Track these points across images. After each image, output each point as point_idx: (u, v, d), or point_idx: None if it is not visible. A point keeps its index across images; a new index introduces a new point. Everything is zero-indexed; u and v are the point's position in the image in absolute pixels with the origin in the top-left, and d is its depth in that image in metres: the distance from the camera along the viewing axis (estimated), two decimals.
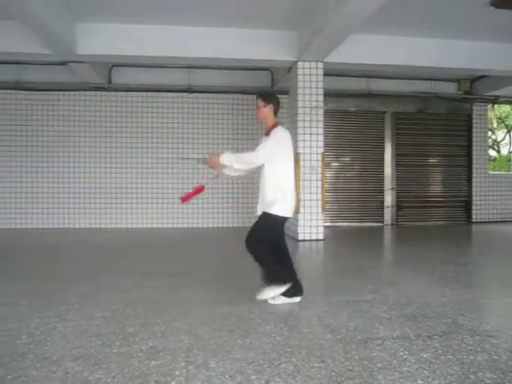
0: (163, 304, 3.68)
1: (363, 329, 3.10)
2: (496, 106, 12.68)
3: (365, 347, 2.76)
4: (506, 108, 16.70)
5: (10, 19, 6.34)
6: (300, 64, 7.58)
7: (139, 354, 2.65)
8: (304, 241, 7.53)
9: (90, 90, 9.40)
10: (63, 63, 8.06)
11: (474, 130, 10.60)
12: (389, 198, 10.28)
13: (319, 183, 7.65)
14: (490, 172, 11.28)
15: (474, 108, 10.57)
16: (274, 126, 3.65)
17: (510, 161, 17.10)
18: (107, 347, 2.76)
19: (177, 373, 2.41)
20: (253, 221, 3.74)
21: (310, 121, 7.63)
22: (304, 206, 7.60)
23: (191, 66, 9.06)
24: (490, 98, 10.53)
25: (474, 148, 10.61)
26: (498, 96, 10.40)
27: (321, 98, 7.67)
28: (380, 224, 10.18)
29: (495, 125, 18.24)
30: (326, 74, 7.79)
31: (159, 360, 2.58)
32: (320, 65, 7.62)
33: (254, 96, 3.82)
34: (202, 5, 6.44)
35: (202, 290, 4.08)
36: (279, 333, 3.03)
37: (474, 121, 10.60)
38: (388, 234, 9.01)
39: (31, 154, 9.35)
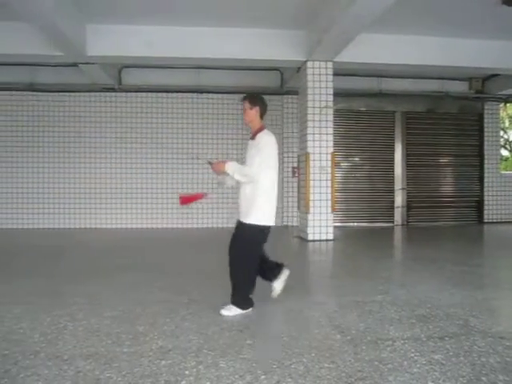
0: (172, 303, 3.69)
1: (373, 329, 3.08)
2: (508, 104, 12.55)
3: (375, 348, 2.74)
4: None
5: (22, 22, 6.43)
6: (309, 64, 7.56)
7: (149, 354, 2.66)
8: (314, 241, 7.51)
9: (100, 91, 9.48)
10: (74, 65, 8.14)
11: (485, 129, 10.50)
12: (399, 198, 10.22)
13: (329, 183, 7.63)
14: (502, 172, 11.16)
15: (486, 107, 10.47)
16: (260, 129, 3.59)
17: None
18: (117, 346, 2.78)
19: (187, 372, 2.42)
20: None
21: (320, 121, 7.61)
22: (314, 206, 7.59)
23: (200, 66, 9.09)
24: (502, 97, 10.43)
25: (485, 147, 10.51)
26: (510, 95, 10.30)
27: (330, 97, 7.65)
28: (390, 224, 10.12)
29: (507, 124, 18.05)
30: (336, 73, 7.76)
31: (169, 359, 2.59)
32: (330, 64, 7.60)
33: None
34: (210, 6, 6.47)
35: (211, 289, 4.09)
36: (289, 333, 3.02)
37: (485, 120, 10.50)
38: (398, 235, 8.95)
39: (43, 155, 9.46)
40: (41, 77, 9.24)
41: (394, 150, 10.21)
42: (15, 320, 3.27)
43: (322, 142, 7.60)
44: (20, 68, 8.93)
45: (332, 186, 7.67)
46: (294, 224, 9.62)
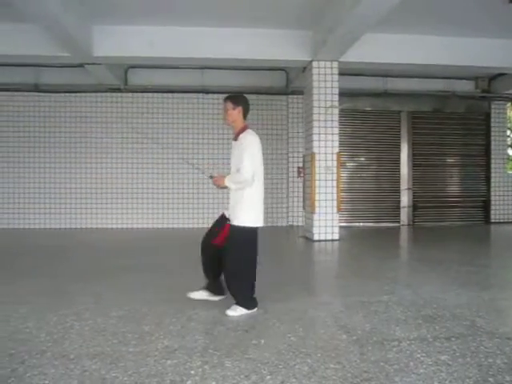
0: (178, 303, 3.69)
1: (379, 330, 3.07)
2: None
3: (381, 348, 2.74)
4: None
5: (28, 22, 6.47)
6: (315, 63, 7.55)
7: (155, 353, 2.67)
8: (319, 241, 7.50)
9: (106, 92, 9.52)
10: (79, 65, 8.18)
11: (492, 128, 10.43)
12: (405, 198, 10.18)
13: (334, 183, 7.61)
14: (509, 172, 11.07)
15: (493, 106, 10.40)
16: (243, 129, 3.58)
17: None
18: (123, 346, 2.79)
19: (192, 372, 2.42)
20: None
21: (325, 121, 7.59)
22: (319, 206, 7.57)
23: (205, 66, 9.11)
24: (508, 97, 10.34)
25: (492, 147, 10.43)
26: None
27: (336, 97, 7.63)
28: (396, 224, 10.08)
29: None
30: (341, 73, 7.74)
31: (175, 359, 2.59)
32: (335, 64, 7.58)
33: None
34: (215, 6, 6.47)
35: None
36: (294, 333, 3.02)
37: (492, 120, 10.43)
38: (404, 235, 8.92)
39: (49, 155, 9.51)
40: (46, 77, 9.29)
41: (399, 150, 10.17)
42: (21, 319, 3.29)
43: (327, 142, 7.59)
44: (25, 69, 8.98)
45: (337, 186, 7.66)
46: (300, 224, 9.61)
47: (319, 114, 7.59)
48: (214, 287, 3.77)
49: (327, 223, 7.61)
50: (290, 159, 9.91)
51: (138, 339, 2.90)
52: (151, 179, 9.66)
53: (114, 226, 9.58)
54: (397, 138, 10.18)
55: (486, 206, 10.51)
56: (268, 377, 2.36)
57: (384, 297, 3.92)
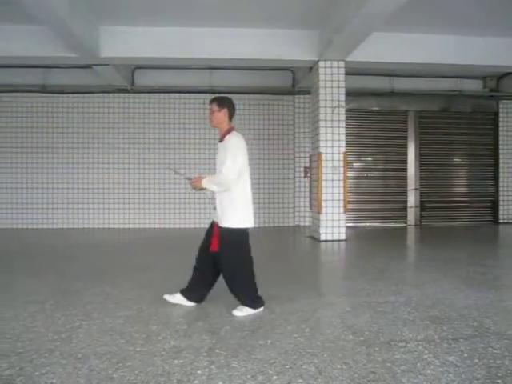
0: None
1: (386, 330, 3.06)
2: None
3: (388, 349, 2.73)
4: None
5: (36, 24, 6.52)
6: (321, 63, 7.54)
7: (162, 353, 2.68)
8: (326, 241, 7.49)
9: (113, 92, 9.56)
10: (87, 66, 8.23)
11: (500, 128, 10.34)
12: (412, 198, 10.13)
13: (341, 183, 7.59)
14: None
15: (501, 106, 10.32)
16: (229, 131, 3.58)
17: None
18: (131, 345, 2.80)
19: (199, 372, 2.43)
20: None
21: (332, 120, 7.57)
22: (326, 207, 7.56)
23: (212, 67, 9.13)
24: None
25: (500, 147, 10.35)
26: None
27: (342, 97, 7.61)
28: (403, 224, 10.04)
29: None
30: (348, 72, 7.72)
31: (182, 359, 2.60)
32: (341, 64, 7.56)
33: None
34: (221, 6, 6.48)
35: (224, 289, 4.09)
36: (301, 333, 3.02)
37: (500, 119, 10.34)
38: (411, 235, 8.87)
39: (57, 156, 9.57)
40: (53, 78, 9.35)
41: (406, 150, 10.12)
42: (30, 318, 3.32)
43: (334, 142, 7.57)
44: (33, 70, 9.03)
45: (344, 186, 7.64)
46: (306, 224, 9.60)
47: (326, 113, 7.57)
48: (193, 294, 3.69)
49: (334, 223, 7.59)
50: (297, 159, 9.89)
51: (145, 339, 2.92)
52: (159, 179, 9.68)
53: (122, 226, 9.62)
54: (404, 137, 10.13)
55: (494, 206, 10.43)
56: (275, 377, 2.36)
57: (391, 297, 3.91)
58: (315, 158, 7.78)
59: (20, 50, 7.13)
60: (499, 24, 7.08)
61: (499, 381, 2.30)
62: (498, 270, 5.30)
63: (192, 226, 9.67)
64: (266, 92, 9.62)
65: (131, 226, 9.63)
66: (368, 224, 9.93)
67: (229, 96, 3.78)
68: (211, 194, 3.64)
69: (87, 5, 6.38)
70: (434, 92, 10.04)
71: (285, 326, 3.17)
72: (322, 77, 7.56)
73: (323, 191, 7.53)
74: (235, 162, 3.39)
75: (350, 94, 8.49)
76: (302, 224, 9.81)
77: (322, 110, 7.56)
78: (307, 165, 9.49)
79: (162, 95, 9.66)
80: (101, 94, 9.57)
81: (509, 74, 9.68)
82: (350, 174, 9.62)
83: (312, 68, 7.95)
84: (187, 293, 3.69)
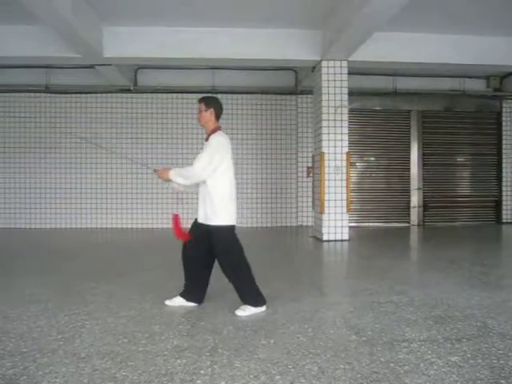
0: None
1: (389, 331, 3.06)
2: None
3: (391, 349, 2.72)
4: None
5: (39, 24, 6.54)
6: (324, 63, 7.53)
7: (165, 353, 2.68)
8: (329, 241, 7.48)
9: (116, 93, 9.58)
10: (90, 66, 8.24)
11: (503, 127, 10.31)
12: (415, 198, 10.11)
13: (344, 183, 7.59)
14: None
15: (504, 105, 10.28)
16: (214, 131, 3.59)
17: None
18: (133, 345, 2.81)
19: (202, 372, 2.43)
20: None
21: (335, 120, 7.57)
22: (328, 206, 7.55)
23: (215, 67, 9.12)
24: None
25: (503, 146, 10.31)
26: None
27: (345, 97, 7.60)
28: (406, 224, 10.02)
29: None
30: (351, 72, 7.71)
31: (184, 359, 2.60)
32: (344, 63, 7.55)
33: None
34: (224, 6, 6.48)
35: (226, 289, 4.09)
36: (304, 333, 3.01)
37: (503, 118, 10.31)
38: (414, 235, 8.86)
39: (60, 156, 9.59)
40: (57, 78, 9.36)
41: (409, 150, 10.10)
42: (33, 318, 3.33)
43: (336, 142, 7.56)
44: (36, 70, 9.05)
45: (347, 186, 7.63)
46: (309, 224, 9.59)
47: (328, 113, 7.56)
48: (192, 295, 3.71)
49: (337, 223, 7.58)
50: (300, 159, 9.89)
51: (148, 338, 2.92)
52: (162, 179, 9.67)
53: (125, 226, 9.64)
54: (407, 137, 10.11)
55: (497, 205, 10.40)
56: (277, 377, 2.36)
57: (394, 297, 3.90)
58: (318, 158, 7.78)
59: (23, 50, 7.15)
60: (502, 24, 7.06)
61: (503, 381, 2.29)
62: (501, 269, 5.29)
63: None
64: (268, 92, 9.62)
65: (134, 226, 9.65)
66: (371, 224, 9.91)
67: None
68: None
69: (90, 5, 6.41)
70: (437, 92, 10.01)
71: (287, 325, 3.17)
72: (324, 77, 7.55)
73: (326, 191, 7.53)
74: (211, 161, 3.41)
75: (353, 93, 8.47)
76: (304, 224, 9.80)
77: (324, 110, 7.56)
78: (310, 165, 9.48)
79: (164, 95, 9.67)
80: (104, 95, 9.59)
81: None
82: (353, 173, 9.61)
83: (315, 68, 7.95)
84: (186, 295, 3.71)
